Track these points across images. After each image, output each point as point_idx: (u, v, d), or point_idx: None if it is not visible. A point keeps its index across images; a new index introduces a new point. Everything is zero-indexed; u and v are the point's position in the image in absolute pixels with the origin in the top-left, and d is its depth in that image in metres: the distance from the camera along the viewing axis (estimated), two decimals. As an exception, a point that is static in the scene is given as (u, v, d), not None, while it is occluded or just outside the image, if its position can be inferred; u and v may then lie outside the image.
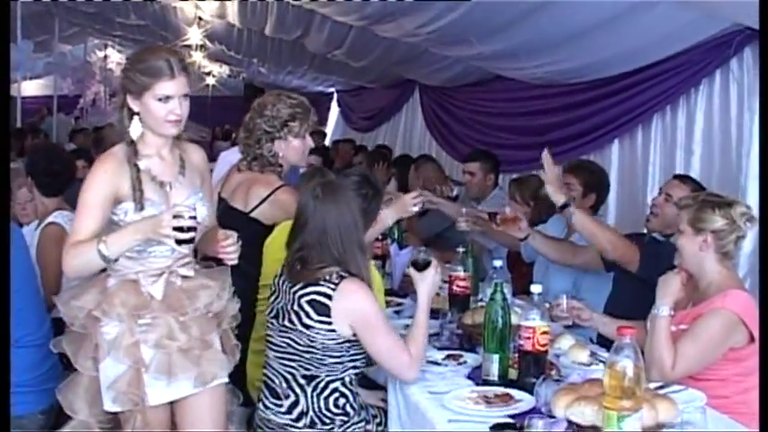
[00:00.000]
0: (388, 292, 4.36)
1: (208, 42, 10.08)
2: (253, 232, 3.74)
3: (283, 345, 3.21)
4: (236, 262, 3.17)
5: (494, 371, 3.20)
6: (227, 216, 3.72)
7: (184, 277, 3.12)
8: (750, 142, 4.68)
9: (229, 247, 3.10)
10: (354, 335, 3.14)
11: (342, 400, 3.20)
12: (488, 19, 5.51)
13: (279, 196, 3.85)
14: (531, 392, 2.96)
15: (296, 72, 12.43)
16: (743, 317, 3.21)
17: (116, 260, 3.02)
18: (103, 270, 3.09)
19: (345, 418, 3.20)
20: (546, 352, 3.16)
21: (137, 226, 2.97)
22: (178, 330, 3.03)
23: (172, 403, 3.10)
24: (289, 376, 3.21)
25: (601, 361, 3.27)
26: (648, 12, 4.54)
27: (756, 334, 3.24)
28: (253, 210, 3.84)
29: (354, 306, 3.11)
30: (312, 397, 3.18)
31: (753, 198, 4.54)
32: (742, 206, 3.36)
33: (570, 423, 2.58)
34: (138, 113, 3.06)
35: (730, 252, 3.35)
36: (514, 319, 3.28)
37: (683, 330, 3.26)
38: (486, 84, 7.96)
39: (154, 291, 3.05)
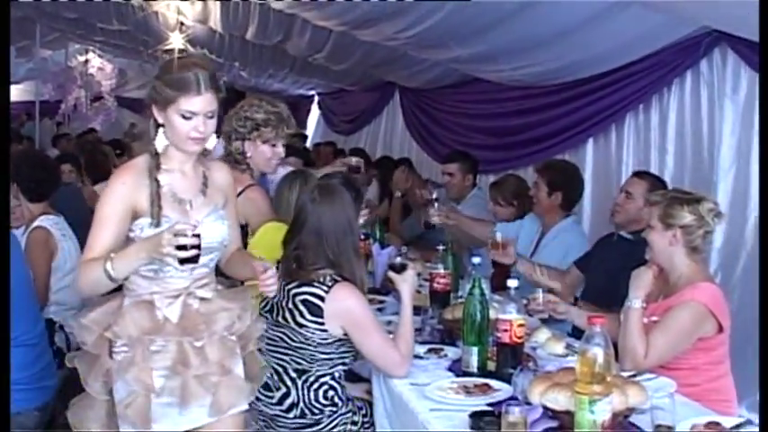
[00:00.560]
0: (371, 290, 4.35)
1: (189, 47, 10.05)
2: None
3: (276, 339, 3.27)
4: (275, 293, 3.02)
5: (473, 363, 3.26)
6: None
7: (203, 299, 2.91)
8: (720, 141, 4.72)
9: (269, 280, 2.87)
10: (345, 334, 3.20)
11: (331, 393, 3.26)
12: (466, 23, 5.53)
13: (249, 195, 3.87)
14: (509, 382, 3.02)
15: (277, 75, 12.34)
16: (711, 308, 3.30)
17: (126, 279, 2.83)
18: (120, 288, 2.90)
19: (334, 409, 3.27)
20: (522, 344, 3.22)
21: (141, 245, 2.75)
22: (193, 355, 2.83)
23: None
24: (280, 369, 3.27)
25: (576, 352, 3.32)
26: (620, 14, 4.60)
27: (725, 324, 3.33)
28: None
29: (346, 309, 3.18)
30: (303, 389, 3.24)
31: (723, 194, 4.62)
32: (710, 202, 3.43)
33: (546, 409, 2.65)
34: (162, 125, 2.86)
35: (699, 246, 3.42)
36: (492, 314, 3.33)
37: (654, 322, 3.33)
38: (464, 85, 7.90)
39: (169, 313, 2.85)
